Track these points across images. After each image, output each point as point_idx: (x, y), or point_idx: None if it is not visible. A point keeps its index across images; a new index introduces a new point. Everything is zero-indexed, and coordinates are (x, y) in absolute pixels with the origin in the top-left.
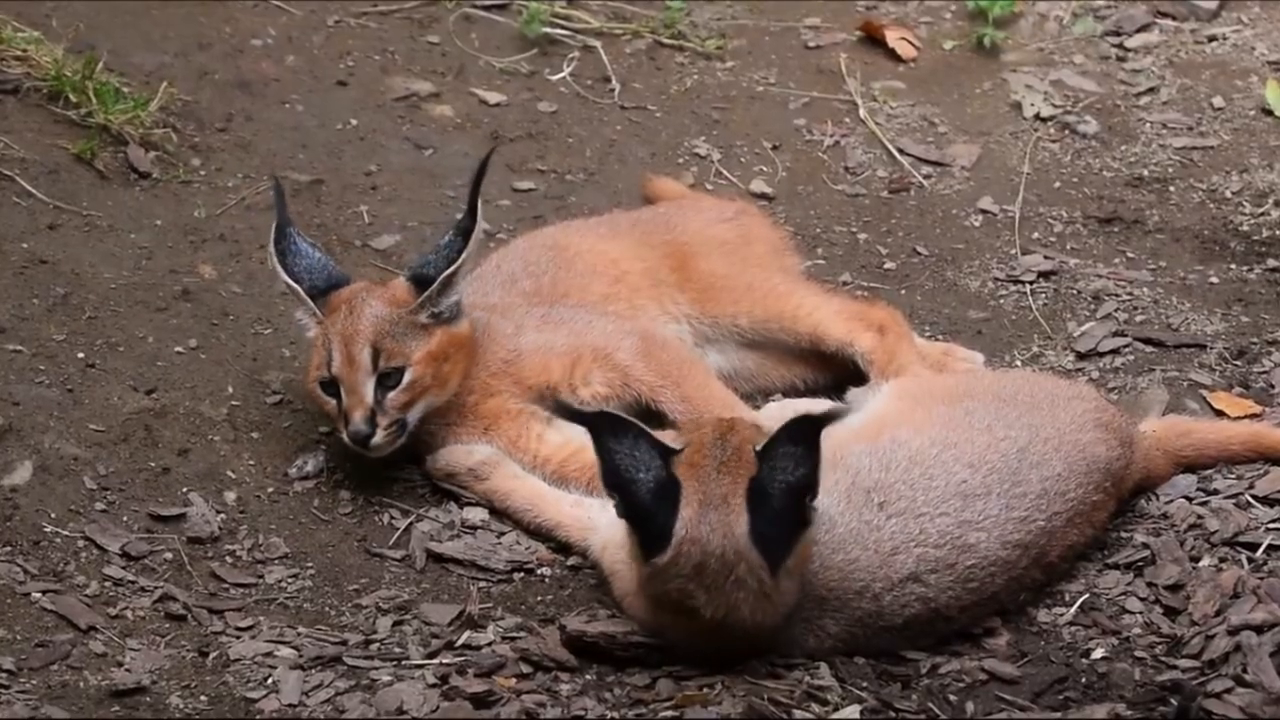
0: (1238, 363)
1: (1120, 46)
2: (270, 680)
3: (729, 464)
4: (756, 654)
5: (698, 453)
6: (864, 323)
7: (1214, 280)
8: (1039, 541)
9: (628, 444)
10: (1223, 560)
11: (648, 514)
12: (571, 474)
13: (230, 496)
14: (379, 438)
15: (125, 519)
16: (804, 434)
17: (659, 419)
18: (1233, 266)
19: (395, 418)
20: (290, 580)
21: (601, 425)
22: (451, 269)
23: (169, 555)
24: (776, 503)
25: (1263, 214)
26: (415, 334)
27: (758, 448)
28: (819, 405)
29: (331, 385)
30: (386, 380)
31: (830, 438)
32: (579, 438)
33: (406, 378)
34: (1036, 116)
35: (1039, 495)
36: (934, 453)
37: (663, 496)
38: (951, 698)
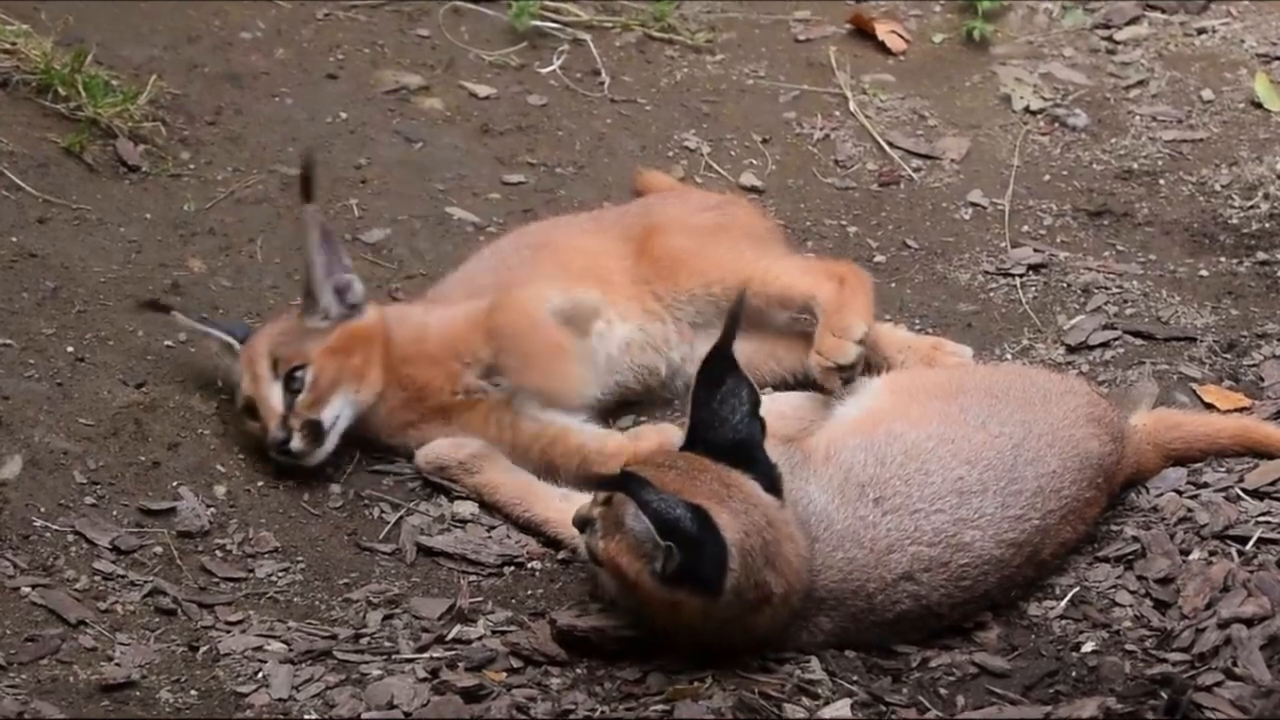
0: (1227, 356)
1: (1109, 39)
2: (260, 674)
3: (693, 470)
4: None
5: (671, 485)
6: (826, 274)
7: (1204, 273)
8: (1033, 540)
9: (653, 493)
10: (1213, 553)
11: (699, 544)
12: (558, 459)
13: (220, 490)
14: (296, 441)
15: (115, 513)
16: (721, 367)
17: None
18: (1222, 259)
19: (306, 418)
20: (280, 574)
21: (632, 483)
22: (308, 273)
23: (159, 549)
24: (755, 438)
25: (1252, 207)
26: (312, 336)
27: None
28: (807, 400)
29: (252, 409)
30: (293, 384)
31: (825, 432)
32: (557, 422)
33: (309, 376)
34: (1026, 109)
35: (1034, 493)
36: (930, 447)
37: (702, 525)
38: (942, 691)
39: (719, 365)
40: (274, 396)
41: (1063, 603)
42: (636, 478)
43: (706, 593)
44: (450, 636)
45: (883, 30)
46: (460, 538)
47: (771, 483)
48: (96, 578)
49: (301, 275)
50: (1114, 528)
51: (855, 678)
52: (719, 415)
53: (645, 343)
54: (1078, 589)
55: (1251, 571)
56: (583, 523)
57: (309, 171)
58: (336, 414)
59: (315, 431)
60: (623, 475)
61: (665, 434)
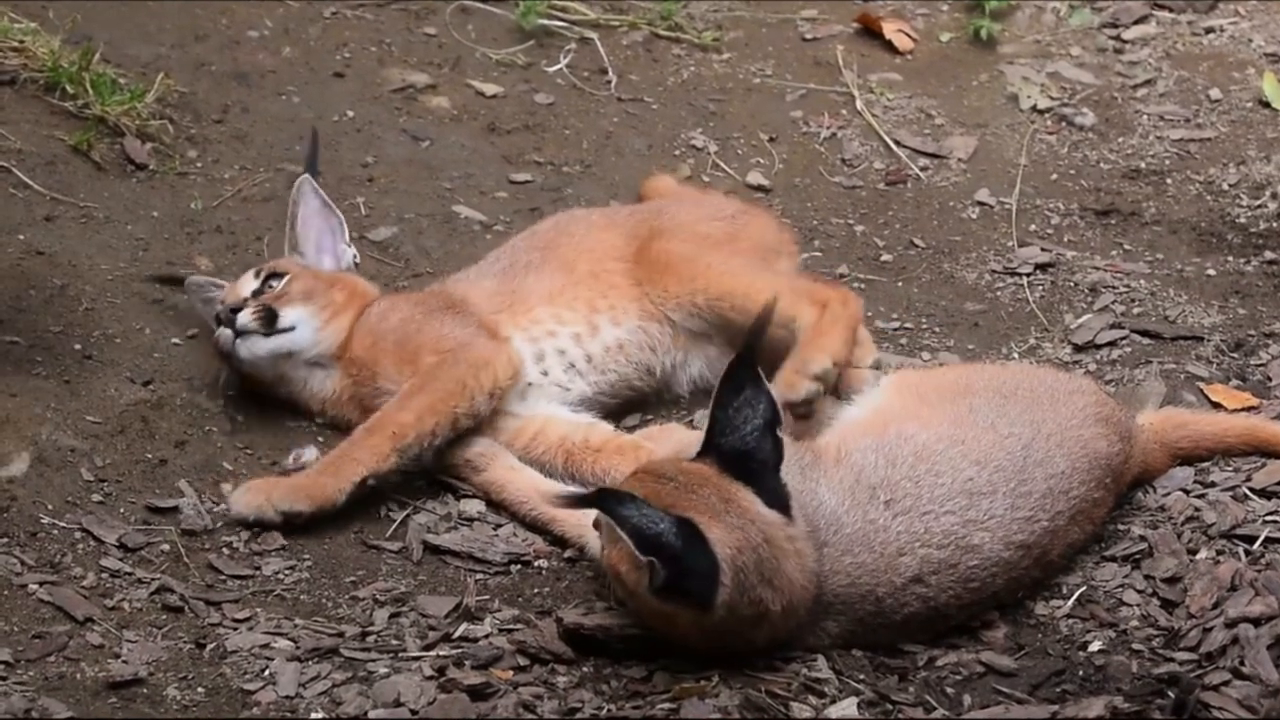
0: (1235, 355)
1: (1117, 38)
2: (267, 672)
3: (693, 483)
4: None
5: (667, 498)
6: (809, 299)
7: (1211, 272)
8: (1042, 541)
9: (633, 507)
10: (1220, 553)
11: (683, 559)
12: (542, 456)
13: (227, 488)
14: (246, 314)
15: (122, 510)
16: (743, 375)
17: None
18: (1230, 259)
19: (266, 303)
20: (287, 572)
21: (608, 500)
22: (294, 233)
23: (166, 547)
24: (763, 454)
25: (1260, 206)
26: (300, 265)
27: (689, 454)
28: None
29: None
30: (268, 283)
31: (836, 432)
32: (539, 414)
33: (283, 281)
34: (1033, 108)
35: (1043, 494)
36: (940, 448)
37: (689, 537)
38: (949, 690)
39: (740, 373)
40: (245, 287)
41: (1070, 602)
42: (614, 494)
43: (698, 606)
44: (457, 634)
45: (890, 29)
46: (467, 536)
47: (776, 498)
48: (104, 575)
49: (288, 235)
50: (1121, 527)
51: (862, 676)
52: (733, 422)
53: (643, 342)
54: (1085, 588)
55: (1259, 571)
56: (598, 525)
57: (314, 144)
58: (294, 323)
59: (268, 317)
60: (599, 492)
61: (671, 434)
